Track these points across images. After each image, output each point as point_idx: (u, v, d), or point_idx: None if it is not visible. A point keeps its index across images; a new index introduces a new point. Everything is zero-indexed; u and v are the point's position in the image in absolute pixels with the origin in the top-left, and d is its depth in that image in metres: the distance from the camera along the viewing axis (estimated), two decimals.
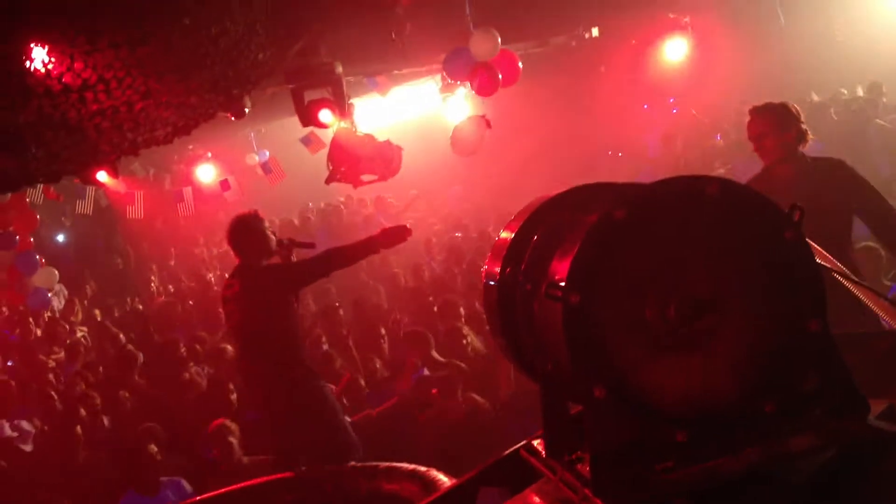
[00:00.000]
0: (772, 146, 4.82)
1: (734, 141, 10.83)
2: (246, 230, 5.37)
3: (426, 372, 6.17)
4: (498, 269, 2.04)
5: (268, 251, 5.41)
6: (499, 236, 2.13)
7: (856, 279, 1.84)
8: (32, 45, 2.65)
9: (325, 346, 7.34)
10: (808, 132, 4.85)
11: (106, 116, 3.08)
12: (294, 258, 5.63)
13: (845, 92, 11.06)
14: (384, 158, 7.61)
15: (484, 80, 7.39)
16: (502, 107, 11.57)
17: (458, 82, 8.33)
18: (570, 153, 11.37)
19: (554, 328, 1.68)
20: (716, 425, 1.59)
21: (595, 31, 10.73)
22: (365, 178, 7.79)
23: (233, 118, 6.48)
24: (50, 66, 2.69)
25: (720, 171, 9.86)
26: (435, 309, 7.31)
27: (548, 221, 2.00)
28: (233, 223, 5.44)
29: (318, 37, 5.97)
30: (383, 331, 7.37)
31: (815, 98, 11.24)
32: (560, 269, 1.71)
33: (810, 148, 5.08)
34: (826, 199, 4.39)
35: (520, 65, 7.54)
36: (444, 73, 7.58)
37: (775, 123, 4.84)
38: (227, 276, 5.72)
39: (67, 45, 2.69)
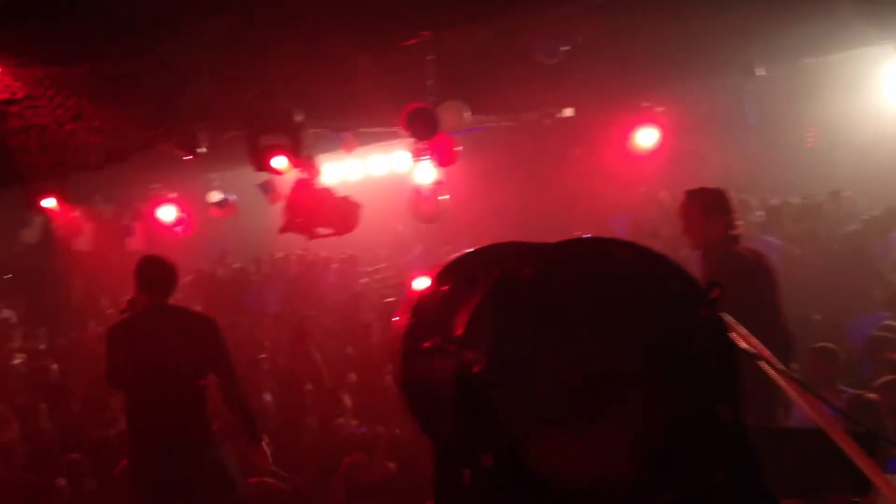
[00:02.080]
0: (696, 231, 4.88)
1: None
2: (172, 271, 5.17)
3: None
4: (404, 322, 1.93)
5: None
6: (411, 289, 2.03)
7: (783, 369, 1.71)
8: None
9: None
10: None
11: (32, 134, 2.94)
12: None
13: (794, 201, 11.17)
14: (341, 213, 7.52)
15: (445, 149, 7.40)
16: (470, 175, 11.58)
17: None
18: (536, 228, 11.33)
19: (448, 387, 1.56)
20: None
21: (569, 112, 10.80)
22: (320, 231, 7.67)
23: (184, 157, 6.35)
24: None
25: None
26: None
27: (460, 276, 1.90)
28: (160, 261, 5.19)
29: (275, 84, 5.90)
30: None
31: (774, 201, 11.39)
32: (458, 324, 1.60)
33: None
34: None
35: (458, 149, 7.55)
36: (406, 130, 7.44)
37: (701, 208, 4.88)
38: (134, 315, 5.25)
39: None
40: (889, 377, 5.29)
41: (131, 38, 2.92)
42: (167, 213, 13.43)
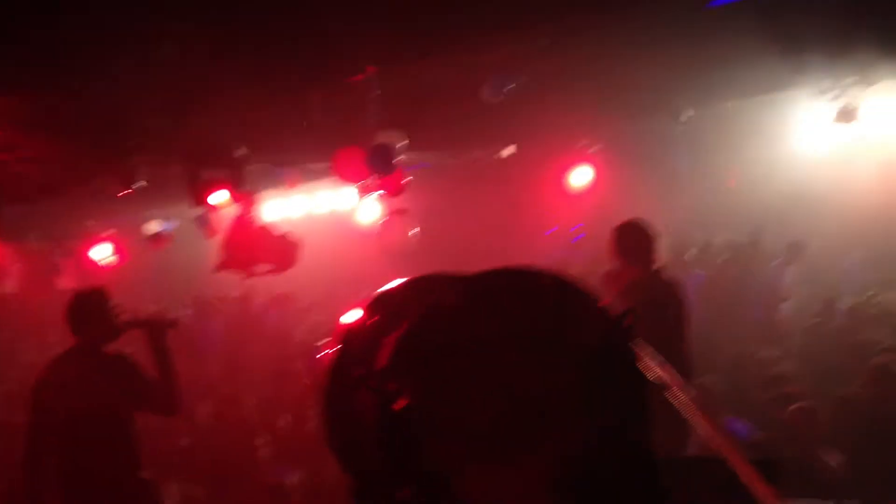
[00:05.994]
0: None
1: None
2: (89, 307, 5.00)
3: None
4: (332, 356, 1.94)
5: (112, 335, 5.03)
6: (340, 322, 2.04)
7: (691, 398, 1.78)
8: None
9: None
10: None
11: None
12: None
13: (719, 238, 11.62)
14: (281, 250, 7.46)
15: (395, 180, 7.49)
16: (412, 215, 11.58)
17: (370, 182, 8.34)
18: (476, 266, 11.37)
19: (372, 421, 1.58)
20: None
21: (510, 150, 10.97)
22: (258, 268, 7.60)
23: (122, 192, 6.27)
24: None
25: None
26: None
27: (389, 306, 1.93)
28: (73, 298, 5.04)
29: (220, 116, 5.90)
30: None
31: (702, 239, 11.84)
32: (383, 356, 1.62)
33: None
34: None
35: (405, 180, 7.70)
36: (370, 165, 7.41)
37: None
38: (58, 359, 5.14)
39: None
40: (798, 405, 5.68)
41: (69, 68, 2.90)
42: (101, 252, 13.16)
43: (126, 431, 4.91)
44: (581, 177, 10.16)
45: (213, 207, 7.08)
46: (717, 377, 6.51)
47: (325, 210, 14.03)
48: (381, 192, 7.90)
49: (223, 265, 7.45)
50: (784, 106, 10.73)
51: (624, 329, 1.58)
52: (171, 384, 5.06)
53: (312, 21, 4.27)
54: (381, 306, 1.93)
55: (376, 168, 7.14)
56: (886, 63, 7.29)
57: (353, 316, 1.97)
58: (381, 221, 8.58)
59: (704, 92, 8.66)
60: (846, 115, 8.84)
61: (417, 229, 8.78)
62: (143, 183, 6.33)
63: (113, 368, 4.92)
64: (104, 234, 13.30)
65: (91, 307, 4.98)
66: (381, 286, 2.08)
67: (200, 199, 6.92)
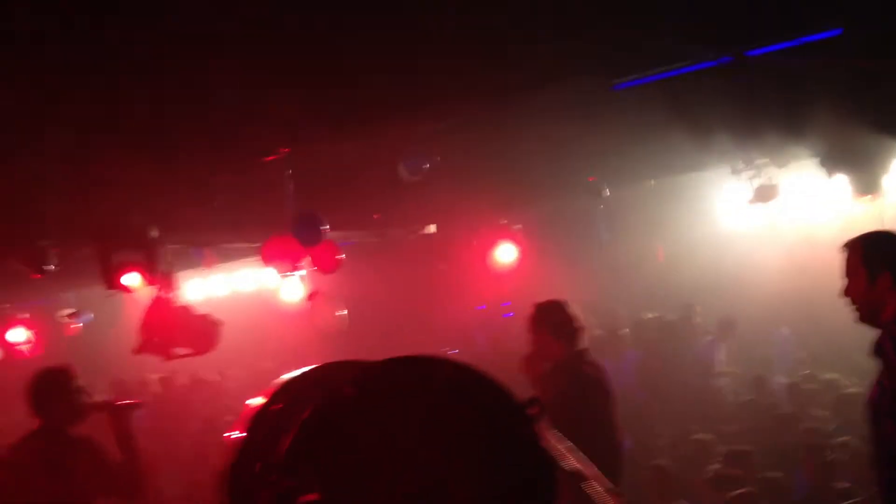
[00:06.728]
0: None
1: None
2: (54, 387, 4.78)
3: None
4: (235, 444, 1.89)
5: (77, 414, 4.81)
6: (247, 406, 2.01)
7: (610, 486, 1.77)
8: None
9: None
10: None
11: None
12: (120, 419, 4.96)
13: (650, 315, 11.76)
14: (200, 332, 7.31)
15: (328, 256, 7.48)
16: (335, 292, 11.51)
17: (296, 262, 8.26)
18: (404, 346, 11.29)
19: None
20: None
21: (432, 228, 11.03)
22: (178, 351, 7.43)
23: (33, 275, 6.11)
24: None
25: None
26: None
27: (291, 395, 1.90)
28: (37, 377, 4.81)
29: (129, 198, 5.82)
30: None
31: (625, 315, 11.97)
32: (282, 448, 1.58)
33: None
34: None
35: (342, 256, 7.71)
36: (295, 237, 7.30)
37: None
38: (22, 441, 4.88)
39: None
40: (739, 492, 5.61)
41: None
42: (17, 336, 12.71)
43: None
44: (505, 254, 10.25)
45: (127, 290, 6.93)
46: (665, 460, 6.39)
47: (251, 288, 13.89)
48: (314, 268, 7.84)
49: (142, 348, 7.26)
50: (704, 184, 11.06)
51: (529, 416, 1.58)
52: (136, 468, 4.87)
53: (221, 102, 4.28)
54: (283, 393, 1.90)
55: (304, 238, 7.06)
56: (794, 145, 7.56)
57: (257, 402, 1.93)
58: (308, 301, 8.49)
59: (622, 170, 8.88)
60: (762, 195, 9.08)
61: (345, 311, 8.73)
62: (53, 266, 6.18)
63: (79, 451, 4.71)
64: (20, 318, 12.88)
65: (56, 386, 4.78)
66: (295, 369, 2.04)
67: (112, 283, 6.79)
